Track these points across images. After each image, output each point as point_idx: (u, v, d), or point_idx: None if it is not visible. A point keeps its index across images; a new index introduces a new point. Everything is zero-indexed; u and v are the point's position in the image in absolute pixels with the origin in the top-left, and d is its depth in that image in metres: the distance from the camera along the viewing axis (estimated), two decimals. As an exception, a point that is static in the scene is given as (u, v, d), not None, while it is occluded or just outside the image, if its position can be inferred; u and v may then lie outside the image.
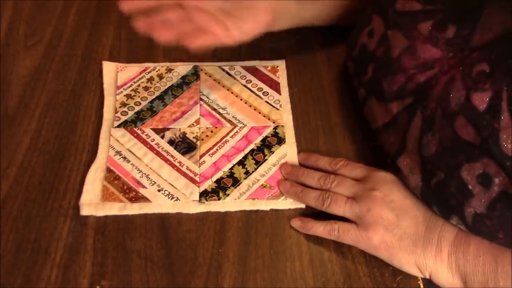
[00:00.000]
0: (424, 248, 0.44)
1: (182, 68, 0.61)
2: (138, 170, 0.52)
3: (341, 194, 0.48)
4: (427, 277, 0.45)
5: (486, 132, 0.39)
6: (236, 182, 0.52)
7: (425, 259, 0.44)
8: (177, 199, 0.50)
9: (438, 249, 0.44)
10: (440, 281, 0.44)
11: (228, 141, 0.55)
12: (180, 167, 0.53)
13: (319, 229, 0.47)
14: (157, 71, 0.61)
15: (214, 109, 0.57)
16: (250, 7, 0.51)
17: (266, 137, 0.56)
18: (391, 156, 0.48)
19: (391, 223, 0.45)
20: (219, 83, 0.60)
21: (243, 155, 0.54)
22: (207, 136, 0.55)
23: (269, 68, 0.62)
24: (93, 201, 0.50)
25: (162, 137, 0.55)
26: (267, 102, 0.59)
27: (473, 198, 0.40)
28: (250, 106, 0.58)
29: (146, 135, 0.55)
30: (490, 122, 0.39)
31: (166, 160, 0.53)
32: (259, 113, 0.58)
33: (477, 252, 0.43)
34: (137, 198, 0.50)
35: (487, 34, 0.41)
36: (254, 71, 0.61)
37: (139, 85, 0.59)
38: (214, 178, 0.52)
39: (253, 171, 0.53)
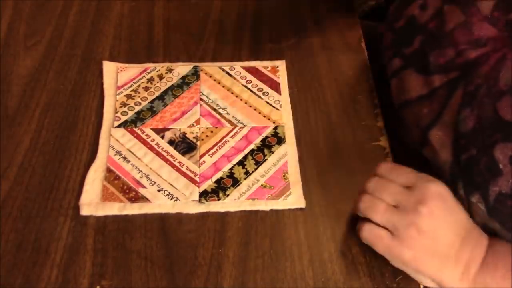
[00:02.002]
0: (452, 268, 0.42)
1: (182, 68, 0.61)
2: (138, 170, 0.52)
3: (382, 199, 0.44)
4: None
5: None
6: (236, 182, 0.52)
7: (451, 278, 0.42)
8: (177, 199, 0.50)
9: (466, 270, 0.42)
10: None
11: (228, 141, 0.55)
12: (180, 167, 0.53)
13: (365, 227, 0.44)
14: (157, 71, 0.61)
15: (214, 109, 0.57)
16: None
17: (266, 137, 0.56)
18: (421, 128, 0.47)
19: (428, 242, 0.42)
20: (219, 83, 0.60)
21: (243, 155, 0.54)
22: (207, 136, 0.55)
23: (269, 68, 0.62)
24: (93, 201, 0.50)
25: (162, 137, 0.55)
26: (267, 102, 0.59)
27: (501, 177, 0.40)
28: (250, 106, 0.58)
29: (146, 135, 0.55)
30: None
31: (166, 160, 0.53)
32: (259, 113, 0.58)
33: (505, 273, 0.41)
34: (137, 198, 0.50)
35: None
36: (254, 71, 0.61)
37: (139, 85, 0.59)
38: (214, 178, 0.52)
39: (253, 171, 0.53)
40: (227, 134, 0.55)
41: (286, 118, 0.57)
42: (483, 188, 0.41)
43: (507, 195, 0.40)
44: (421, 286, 0.46)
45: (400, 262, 0.44)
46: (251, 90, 0.60)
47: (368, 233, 0.44)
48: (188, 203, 0.50)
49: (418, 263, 0.43)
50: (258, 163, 0.53)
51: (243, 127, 0.56)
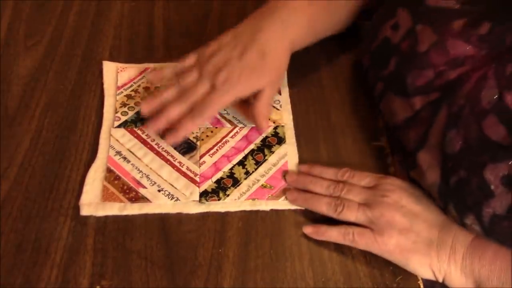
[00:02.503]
0: (438, 250, 0.44)
1: (182, 68, 0.61)
2: (138, 170, 0.52)
3: (352, 200, 0.48)
4: (440, 280, 0.45)
5: None
6: (236, 182, 0.52)
7: (439, 262, 0.44)
8: (177, 199, 0.50)
9: (452, 252, 0.44)
10: (453, 283, 0.44)
11: (228, 141, 0.55)
12: (180, 167, 0.53)
13: (333, 233, 0.47)
14: (157, 71, 0.61)
15: (214, 109, 0.57)
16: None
17: (266, 137, 0.56)
18: (409, 151, 0.48)
19: (404, 227, 0.45)
20: (219, 83, 0.60)
21: (243, 155, 0.54)
22: (207, 136, 0.55)
23: (269, 68, 0.62)
24: (93, 201, 0.50)
25: (162, 137, 0.55)
26: (267, 102, 0.59)
27: (494, 198, 0.40)
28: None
29: (146, 135, 0.55)
30: None
31: (166, 160, 0.53)
32: (259, 113, 0.58)
33: (494, 258, 0.43)
34: (137, 198, 0.50)
35: None
36: (254, 71, 0.61)
37: (139, 86, 0.59)
38: (214, 178, 0.52)
39: (253, 171, 0.53)
40: (227, 134, 0.55)
41: (286, 118, 0.57)
42: (477, 210, 0.41)
43: (502, 217, 0.40)
44: (421, 286, 0.47)
45: (387, 253, 0.46)
46: (251, 90, 0.60)
47: (353, 235, 0.46)
48: (188, 203, 0.50)
49: (404, 251, 0.45)
50: (258, 163, 0.53)
51: (243, 127, 0.56)
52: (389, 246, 0.45)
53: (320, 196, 0.49)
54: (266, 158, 0.54)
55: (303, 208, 0.51)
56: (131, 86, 0.59)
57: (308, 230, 0.49)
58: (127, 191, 0.50)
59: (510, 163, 0.39)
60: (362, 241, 0.46)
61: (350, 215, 0.47)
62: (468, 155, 0.41)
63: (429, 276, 0.45)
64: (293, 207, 0.51)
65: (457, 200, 0.43)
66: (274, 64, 0.53)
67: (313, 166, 0.52)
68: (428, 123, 0.45)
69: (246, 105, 0.55)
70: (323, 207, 0.48)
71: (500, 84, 0.41)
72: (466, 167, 0.42)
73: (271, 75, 0.53)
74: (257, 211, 0.50)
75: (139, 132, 0.55)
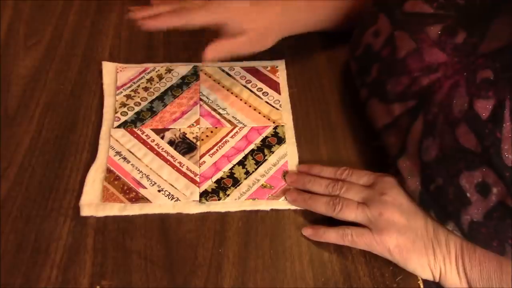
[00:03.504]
0: (434, 249, 0.44)
1: (182, 69, 0.61)
2: (138, 170, 0.52)
3: (351, 199, 0.48)
4: (437, 280, 0.45)
5: (488, 141, 0.39)
6: (236, 182, 0.52)
7: (435, 261, 0.44)
8: (177, 199, 0.50)
9: (447, 251, 0.44)
10: (448, 283, 0.44)
11: (228, 141, 0.55)
12: (180, 167, 0.53)
13: (332, 235, 0.47)
14: (156, 72, 0.61)
15: (214, 109, 0.57)
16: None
17: (266, 137, 0.56)
18: (391, 158, 0.48)
19: (403, 226, 0.45)
20: (218, 83, 0.60)
21: (243, 155, 0.54)
22: (207, 136, 0.55)
23: (268, 68, 0.62)
24: (93, 202, 0.50)
25: (162, 137, 0.55)
26: (267, 102, 0.59)
27: (471, 206, 0.40)
28: (250, 106, 0.58)
29: (146, 135, 0.55)
30: (492, 131, 0.39)
31: (166, 161, 0.53)
32: (259, 113, 0.58)
33: (483, 258, 0.43)
34: (137, 198, 0.50)
35: (495, 42, 0.41)
36: (253, 72, 0.61)
37: (138, 86, 0.59)
38: (214, 179, 0.52)
39: (253, 171, 0.53)
40: (227, 134, 0.55)
41: (286, 118, 0.57)
42: (456, 217, 0.42)
43: (480, 223, 0.40)
44: (421, 286, 0.47)
45: (386, 253, 0.46)
46: (250, 90, 0.60)
47: (351, 235, 0.46)
48: (189, 203, 0.50)
49: (403, 251, 0.45)
50: (258, 163, 0.53)
51: (243, 127, 0.56)
52: (388, 246, 0.45)
53: (318, 196, 0.49)
54: (266, 158, 0.54)
55: (303, 208, 0.51)
56: (131, 86, 0.59)
57: (307, 232, 0.49)
58: (127, 191, 0.50)
59: (484, 170, 0.39)
60: (361, 241, 0.46)
61: (349, 214, 0.47)
62: (444, 163, 0.42)
63: (428, 276, 0.45)
64: (293, 207, 0.51)
65: (437, 207, 0.43)
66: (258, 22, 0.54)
67: (312, 166, 0.52)
68: (406, 130, 0.46)
69: (246, 105, 0.55)
70: (322, 207, 0.48)
71: (470, 91, 0.41)
72: (443, 175, 0.42)
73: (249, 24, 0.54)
74: (257, 211, 0.50)
75: (139, 132, 0.55)
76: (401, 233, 0.45)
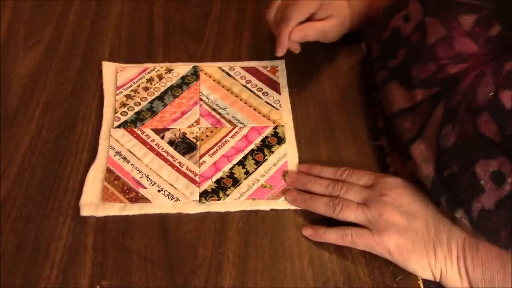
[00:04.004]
0: (435, 249, 0.45)
1: (182, 69, 0.61)
2: (138, 170, 0.52)
3: (350, 200, 0.48)
4: (438, 280, 0.45)
5: (510, 131, 0.39)
6: (236, 182, 0.52)
7: (436, 261, 0.44)
8: (177, 199, 0.50)
9: (448, 251, 0.44)
10: (449, 283, 0.44)
11: (228, 141, 0.55)
12: (180, 167, 0.53)
13: (332, 235, 0.47)
14: (156, 72, 0.61)
15: (214, 109, 0.57)
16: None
17: (266, 137, 0.56)
18: (404, 143, 0.48)
19: (403, 227, 0.45)
20: (218, 83, 0.60)
21: (243, 155, 0.54)
22: (207, 136, 0.55)
23: (268, 68, 0.62)
24: (93, 202, 0.50)
25: (162, 137, 0.55)
26: (267, 102, 0.59)
27: (484, 194, 0.40)
28: (250, 106, 0.58)
29: (146, 135, 0.55)
30: None
31: (166, 161, 0.53)
32: (259, 113, 0.58)
33: (486, 258, 0.43)
34: (137, 198, 0.50)
35: None
36: (253, 71, 0.61)
37: (138, 86, 0.59)
38: (214, 178, 0.52)
39: (253, 171, 0.53)
40: (227, 134, 0.55)
41: (286, 118, 0.57)
42: (466, 204, 0.42)
43: (491, 211, 0.40)
44: (421, 286, 0.47)
45: (386, 253, 0.46)
46: (250, 90, 0.60)
47: (351, 236, 0.46)
48: (189, 203, 0.50)
49: (403, 251, 0.45)
50: (258, 163, 0.53)
51: (243, 127, 0.56)
52: (388, 246, 0.45)
53: (318, 197, 0.49)
54: (266, 158, 0.54)
55: (303, 208, 0.51)
56: (131, 86, 0.59)
57: (307, 232, 0.49)
58: (127, 191, 0.50)
59: (501, 159, 0.39)
60: (361, 242, 0.46)
61: (349, 215, 0.47)
62: (461, 151, 0.42)
63: (428, 276, 0.45)
64: (293, 207, 0.51)
65: (449, 193, 0.43)
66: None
67: (312, 166, 0.52)
68: (426, 116, 0.46)
69: (246, 105, 0.55)
70: (322, 208, 0.48)
71: (496, 81, 0.41)
72: (459, 162, 0.42)
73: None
74: (257, 211, 0.50)
75: (138, 132, 0.55)
76: (401, 233, 0.45)
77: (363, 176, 0.50)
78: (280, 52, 0.54)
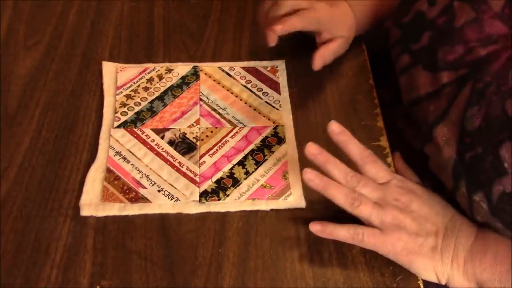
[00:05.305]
0: (442, 254, 0.45)
1: (182, 69, 0.61)
2: (138, 170, 0.52)
3: (368, 197, 0.46)
4: (443, 283, 0.45)
5: None
6: (236, 182, 0.52)
7: (442, 265, 0.44)
8: (177, 199, 0.50)
9: (455, 255, 0.44)
10: (456, 285, 0.45)
11: (228, 141, 0.55)
12: (180, 167, 0.53)
13: (341, 233, 0.46)
14: (156, 72, 0.61)
15: (214, 109, 0.57)
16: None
17: (266, 137, 0.56)
18: (427, 125, 0.48)
19: (413, 232, 0.45)
20: (218, 83, 0.60)
21: (243, 155, 0.54)
22: (207, 136, 0.55)
23: (268, 68, 0.62)
24: (93, 202, 0.50)
25: (162, 137, 0.55)
26: (267, 102, 0.59)
27: (506, 176, 0.41)
28: (250, 106, 0.58)
29: (146, 135, 0.55)
30: None
31: (166, 161, 0.53)
32: (259, 113, 0.58)
33: (494, 261, 0.43)
34: (137, 198, 0.50)
35: None
36: (253, 72, 0.61)
37: (138, 86, 0.59)
38: (214, 179, 0.52)
39: (253, 171, 0.53)
40: (227, 134, 0.55)
41: (286, 118, 0.57)
42: (487, 187, 0.42)
43: (511, 195, 0.40)
44: (421, 286, 0.47)
45: (393, 254, 0.46)
46: (250, 90, 0.60)
47: (362, 235, 0.46)
48: (189, 203, 0.50)
49: (410, 253, 0.45)
50: (258, 163, 0.53)
51: (243, 127, 0.56)
52: (396, 248, 0.45)
53: (339, 185, 0.46)
54: (266, 158, 0.54)
55: (303, 208, 0.51)
56: (131, 86, 0.59)
57: (315, 227, 0.46)
58: (127, 191, 0.50)
59: None
60: (370, 241, 0.45)
61: (365, 212, 0.45)
62: (487, 133, 0.42)
63: (432, 278, 0.45)
64: (293, 207, 0.51)
65: (470, 176, 0.43)
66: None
67: (343, 131, 0.49)
68: (451, 98, 0.46)
69: (246, 105, 0.55)
70: (341, 198, 0.45)
71: None
72: (483, 144, 0.42)
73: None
74: (257, 211, 0.50)
75: (138, 132, 0.55)
76: (411, 237, 0.45)
77: (382, 171, 0.48)
78: (272, 41, 0.53)
